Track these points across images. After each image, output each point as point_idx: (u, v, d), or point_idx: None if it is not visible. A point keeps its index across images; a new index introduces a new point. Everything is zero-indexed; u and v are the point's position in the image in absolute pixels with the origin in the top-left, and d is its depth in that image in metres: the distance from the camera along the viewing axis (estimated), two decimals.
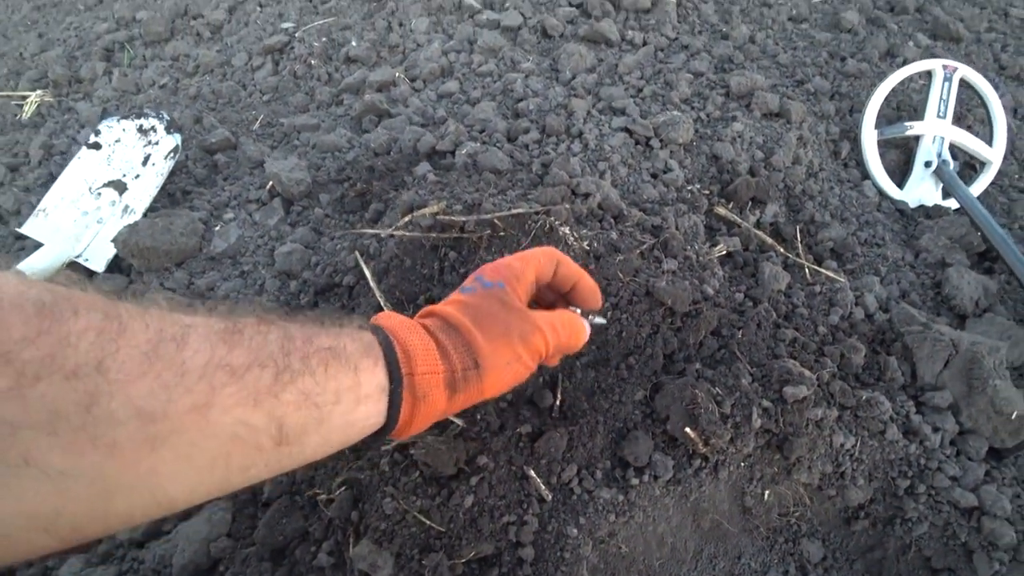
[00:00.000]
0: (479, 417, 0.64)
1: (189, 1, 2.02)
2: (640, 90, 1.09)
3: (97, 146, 1.29)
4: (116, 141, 1.29)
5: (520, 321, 0.48)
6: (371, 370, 0.41)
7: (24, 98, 1.70)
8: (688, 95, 1.07)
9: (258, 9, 1.92)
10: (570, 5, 1.43)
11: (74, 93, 1.74)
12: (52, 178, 1.39)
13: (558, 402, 0.66)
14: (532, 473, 0.59)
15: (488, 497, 0.57)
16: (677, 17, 1.35)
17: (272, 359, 0.36)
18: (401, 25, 1.55)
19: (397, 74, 1.34)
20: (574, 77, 1.15)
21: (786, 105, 1.04)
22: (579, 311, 0.56)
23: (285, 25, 1.75)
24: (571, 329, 0.52)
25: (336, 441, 0.40)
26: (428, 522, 0.55)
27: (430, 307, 0.50)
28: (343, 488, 0.61)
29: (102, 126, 1.31)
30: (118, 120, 1.31)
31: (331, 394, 0.38)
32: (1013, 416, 0.71)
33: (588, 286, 0.56)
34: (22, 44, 2.08)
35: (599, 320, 0.58)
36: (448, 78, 1.28)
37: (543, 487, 0.59)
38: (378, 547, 0.54)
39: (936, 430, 0.72)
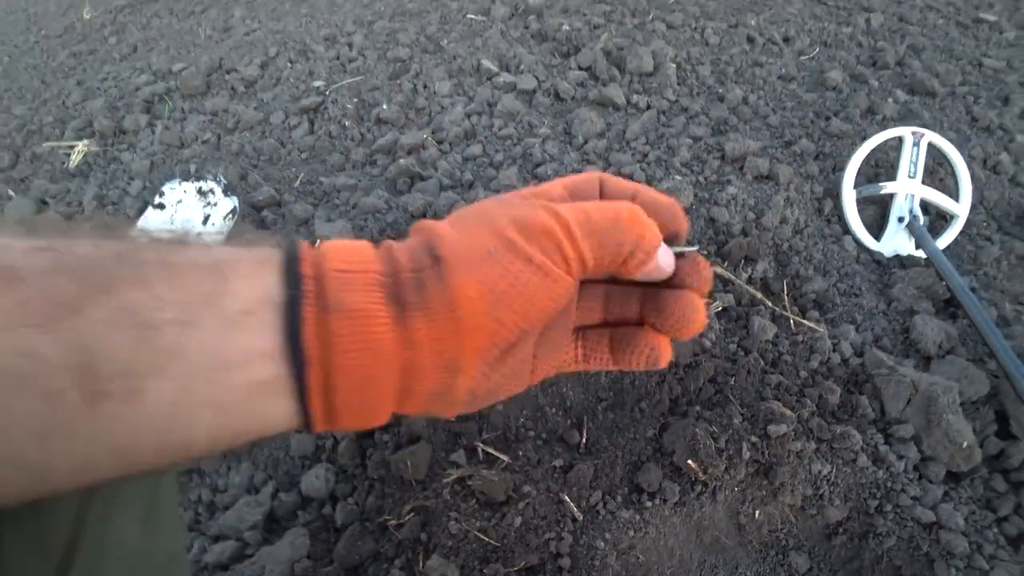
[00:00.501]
0: (520, 454, 0.78)
1: (223, 55, 2.20)
2: (645, 155, 1.24)
3: (161, 207, 1.46)
4: (178, 202, 1.46)
5: (515, 205, 0.32)
6: (252, 275, 0.27)
7: (71, 147, 1.86)
8: (688, 159, 1.22)
9: (288, 66, 2.08)
10: (580, 69, 1.60)
11: (119, 144, 1.89)
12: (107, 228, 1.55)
13: (584, 440, 0.81)
14: (566, 498, 0.74)
15: (533, 518, 0.72)
16: (677, 80, 1.51)
17: (84, 264, 0.24)
18: (425, 87, 1.72)
19: (425, 136, 1.50)
20: (586, 142, 1.31)
21: (775, 168, 1.19)
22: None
23: (316, 83, 1.92)
24: (613, 213, 0.31)
25: (203, 397, 0.25)
26: (486, 539, 0.70)
27: None
28: (412, 514, 0.76)
29: (165, 188, 1.48)
30: (179, 182, 1.48)
31: (176, 309, 0.24)
32: (964, 445, 0.85)
33: (652, 197, 0.37)
34: (63, 92, 2.24)
35: (688, 249, 0.37)
36: (472, 141, 1.44)
37: (575, 509, 0.73)
38: (447, 560, 0.68)
39: (900, 458, 0.86)
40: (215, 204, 1.42)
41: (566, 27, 1.75)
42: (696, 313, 0.35)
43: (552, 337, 0.36)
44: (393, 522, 0.78)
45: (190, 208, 1.44)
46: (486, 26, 1.93)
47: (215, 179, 1.46)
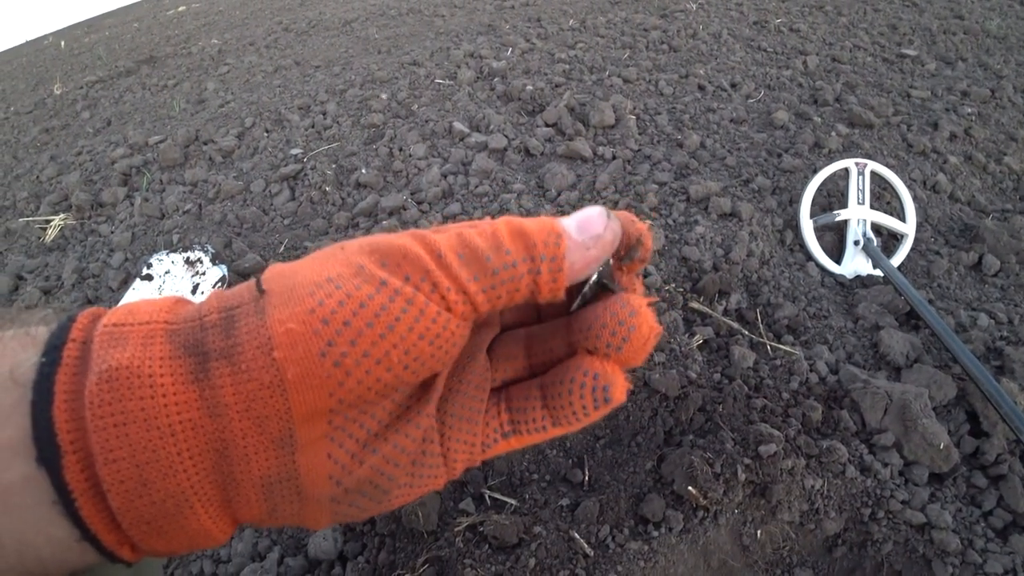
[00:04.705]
0: (527, 496, 0.81)
1: (199, 127, 2.25)
2: (616, 203, 1.33)
3: (149, 277, 1.47)
4: (166, 272, 1.47)
5: (379, 236, 0.25)
6: (9, 351, 0.22)
7: (47, 222, 1.86)
8: (656, 204, 1.30)
9: (265, 135, 2.15)
10: (546, 125, 1.70)
11: (97, 216, 1.89)
12: (88, 301, 1.55)
13: (587, 477, 0.84)
14: (576, 535, 0.76)
15: (546, 558, 0.74)
16: (638, 130, 1.62)
17: None
18: (401, 151, 1.80)
19: (405, 198, 1.56)
20: (559, 194, 1.39)
21: (737, 206, 1.28)
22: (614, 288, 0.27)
23: (294, 151, 1.98)
24: (491, 230, 0.24)
25: None
26: None
27: None
28: (426, 566, 0.77)
29: (153, 259, 1.50)
30: (167, 253, 1.50)
31: None
32: (941, 446, 0.91)
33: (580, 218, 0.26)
34: (36, 167, 2.26)
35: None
36: (450, 200, 1.51)
37: (586, 545, 0.76)
38: None
39: (885, 465, 0.91)
40: (203, 273, 1.45)
41: (529, 87, 1.86)
42: (636, 317, 0.24)
43: (459, 401, 0.27)
44: None
45: (178, 278, 1.46)
46: (454, 90, 2.04)
47: (202, 248, 1.49)
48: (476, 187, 1.51)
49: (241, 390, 0.21)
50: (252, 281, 0.24)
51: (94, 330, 0.22)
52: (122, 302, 1.38)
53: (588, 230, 0.25)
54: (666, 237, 1.21)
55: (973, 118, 1.78)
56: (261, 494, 0.23)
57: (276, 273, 0.23)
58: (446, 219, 1.46)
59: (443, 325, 0.22)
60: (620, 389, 0.26)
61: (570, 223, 0.25)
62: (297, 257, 1.56)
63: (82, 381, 0.21)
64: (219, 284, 1.43)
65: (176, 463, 0.21)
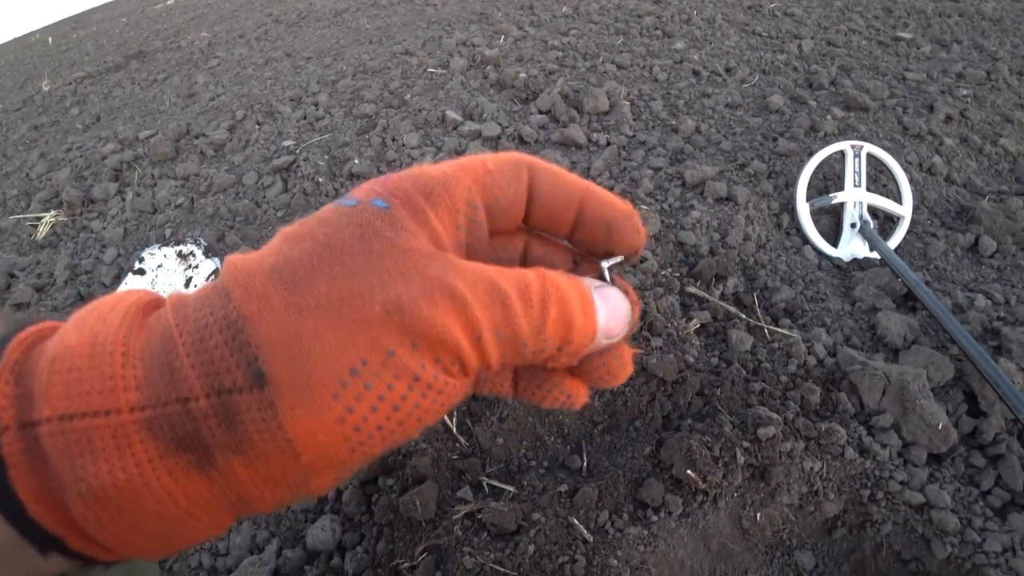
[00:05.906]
0: (525, 484, 0.80)
1: (190, 120, 2.23)
2: (611, 189, 1.31)
3: (142, 272, 1.46)
4: (159, 266, 1.46)
5: (402, 272, 0.21)
6: None
7: (38, 219, 1.84)
8: (651, 189, 1.29)
9: (257, 128, 2.13)
10: (540, 113, 1.68)
11: (88, 213, 1.87)
12: (80, 298, 1.53)
13: (585, 463, 0.84)
14: (575, 521, 0.76)
15: (545, 544, 0.73)
16: (632, 116, 1.61)
17: None
18: (394, 140, 1.78)
19: None
20: None
21: (733, 190, 1.27)
22: (605, 265, 0.28)
23: (286, 143, 1.96)
24: (540, 315, 0.23)
25: None
26: (502, 570, 0.71)
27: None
28: (425, 554, 0.77)
29: (145, 253, 1.48)
30: (160, 247, 1.49)
31: None
32: (939, 427, 0.90)
33: (605, 203, 0.27)
34: (26, 164, 2.23)
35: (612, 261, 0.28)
36: None
37: (585, 531, 0.75)
38: None
39: (884, 446, 0.91)
40: (196, 266, 1.44)
41: (523, 75, 1.84)
42: (623, 369, 0.28)
43: None
44: (406, 565, 0.79)
45: (171, 272, 1.45)
46: (446, 79, 2.02)
47: (195, 242, 1.48)
48: None
49: (258, 472, 0.21)
50: (228, 333, 0.20)
51: (31, 415, 0.19)
52: None
53: (611, 332, 0.26)
54: (662, 222, 1.20)
55: (969, 100, 1.77)
56: (273, 506, 0.24)
57: (274, 349, 0.20)
58: None
59: (456, 396, 0.23)
60: (582, 403, 0.30)
61: (601, 317, 0.25)
62: None
63: (45, 478, 0.19)
64: (212, 277, 1.41)
65: (196, 532, 0.22)
